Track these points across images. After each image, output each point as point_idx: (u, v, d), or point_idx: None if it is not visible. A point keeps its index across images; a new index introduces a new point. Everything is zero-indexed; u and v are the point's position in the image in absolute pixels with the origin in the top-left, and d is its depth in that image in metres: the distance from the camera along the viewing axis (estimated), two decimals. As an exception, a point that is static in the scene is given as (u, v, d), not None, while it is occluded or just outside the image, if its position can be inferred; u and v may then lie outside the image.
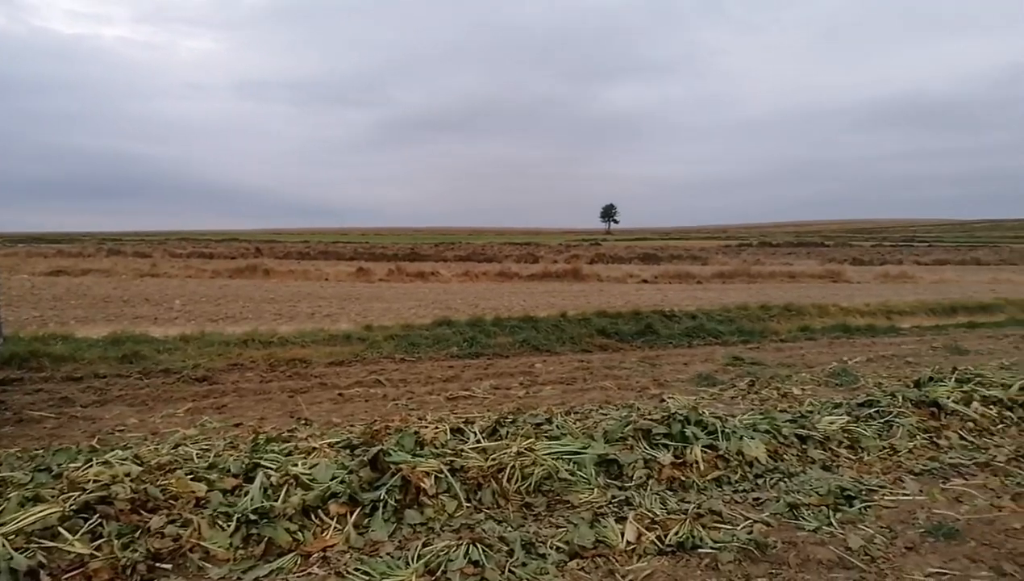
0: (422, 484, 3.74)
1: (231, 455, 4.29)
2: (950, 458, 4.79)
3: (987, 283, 22.09)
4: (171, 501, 3.58)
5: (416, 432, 4.39)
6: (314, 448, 4.46)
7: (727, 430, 4.78)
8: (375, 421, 5.23)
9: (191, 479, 3.78)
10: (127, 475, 3.73)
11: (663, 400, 6.38)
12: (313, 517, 3.62)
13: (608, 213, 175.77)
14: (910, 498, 4.12)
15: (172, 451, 4.42)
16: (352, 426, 5.41)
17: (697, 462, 4.45)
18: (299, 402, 6.59)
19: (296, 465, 4.03)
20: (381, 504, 3.67)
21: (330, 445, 4.50)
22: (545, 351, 9.51)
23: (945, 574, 3.23)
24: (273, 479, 3.86)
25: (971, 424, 5.37)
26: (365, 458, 3.94)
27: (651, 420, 4.88)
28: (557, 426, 4.89)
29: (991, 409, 5.61)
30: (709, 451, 4.56)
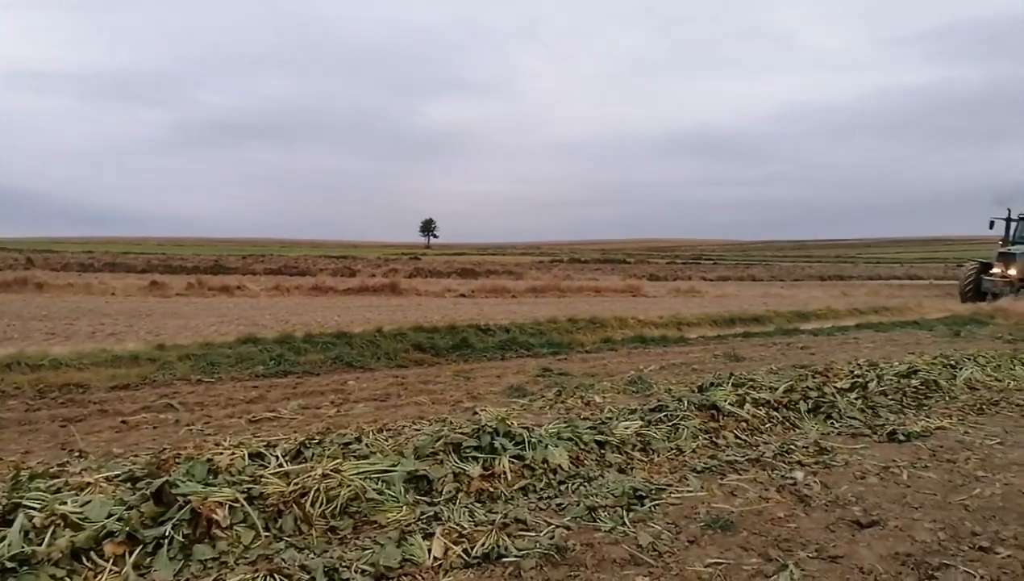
0: (214, 515, 3.47)
1: (-16, 496, 3.71)
2: (727, 456, 5.31)
3: (760, 297, 24.90)
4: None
5: (209, 459, 4.08)
6: (88, 483, 3.99)
7: (533, 440, 4.94)
8: (164, 450, 4.79)
9: (-71, 529, 3.23)
10: None
11: (475, 413, 6.46)
12: (85, 560, 3.24)
13: (428, 227, 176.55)
14: (693, 494, 4.51)
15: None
16: (136, 456, 4.91)
17: (505, 473, 4.55)
18: (73, 432, 5.88)
19: (65, 503, 3.58)
20: (166, 541, 3.36)
21: (108, 479, 4.06)
22: (359, 367, 9.30)
23: (721, 563, 3.56)
24: (37, 520, 3.40)
25: (744, 424, 6.00)
26: (148, 491, 3.59)
27: (462, 434, 4.93)
28: (367, 445, 4.79)
29: (761, 410, 6.30)
30: (516, 461, 4.69)
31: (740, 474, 4.95)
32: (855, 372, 7.88)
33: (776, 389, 6.82)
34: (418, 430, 5.58)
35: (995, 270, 22.93)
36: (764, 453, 5.38)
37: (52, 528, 3.35)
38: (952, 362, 8.94)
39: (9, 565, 3.04)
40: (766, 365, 9.71)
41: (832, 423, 6.35)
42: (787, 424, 6.23)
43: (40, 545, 3.22)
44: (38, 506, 3.52)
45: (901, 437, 5.93)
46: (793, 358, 10.87)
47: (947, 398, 7.46)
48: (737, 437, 5.76)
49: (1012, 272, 22.14)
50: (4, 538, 3.23)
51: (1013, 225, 24.72)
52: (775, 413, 6.34)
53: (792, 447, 5.54)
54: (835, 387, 7.11)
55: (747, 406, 6.25)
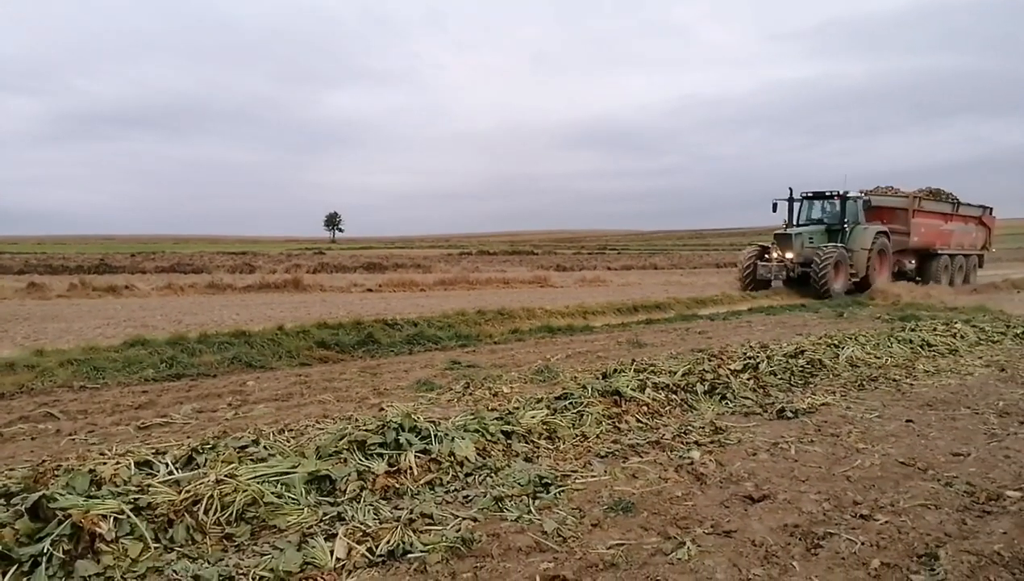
0: (97, 529, 3.26)
1: None
2: (629, 440, 5.46)
3: (662, 285, 25.72)
4: None
5: (92, 470, 3.83)
6: (-45, 502, 3.67)
7: (439, 433, 4.92)
8: (42, 462, 4.46)
9: None
10: None
11: (382, 409, 6.37)
12: (-51, 587, 2.98)
13: (332, 221, 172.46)
14: (597, 479, 4.61)
15: None
16: (11, 470, 4.54)
17: (411, 468, 4.51)
18: (-63, 448, 5.39)
19: (-74, 526, 3.28)
20: (44, 558, 3.14)
21: (-23, 497, 3.74)
22: (259, 367, 8.97)
23: (623, 544, 3.66)
24: None
25: (646, 408, 6.18)
26: (23, 507, 3.34)
27: (366, 431, 4.85)
28: (265, 447, 4.63)
29: (661, 394, 6.51)
30: (423, 456, 4.65)
31: (641, 456, 5.10)
32: (747, 354, 8.27)
33: (675, 373, 7.07)
34: (322, 429, 5.44)
35: (773, 254, 21.09)
36: (664, 435, 5.57)
37: (-89, 553, 3.06)
38: (835, 342, 9.53)
39: None
40: (667, 350, 10.05)
41: (727, 403, 6.64)
42: (685, 406, 6.47)
43: None
44: None
45: (789, 414, 6.27)
46: (692, 342, 11.28)
47: (831, 376, 7.95)
48: (639, 421, 5.93)
49: (789, 255, 20.52)
50: None
51: (796, 206, 22.81)
52: (674, 396, 6.57)
53: (690, 428, 5.77)
54: (729, 369, 7.44)
55: (648, 391, 6.45)
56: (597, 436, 5.50)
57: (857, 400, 6.93)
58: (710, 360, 7.77)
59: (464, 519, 3.88)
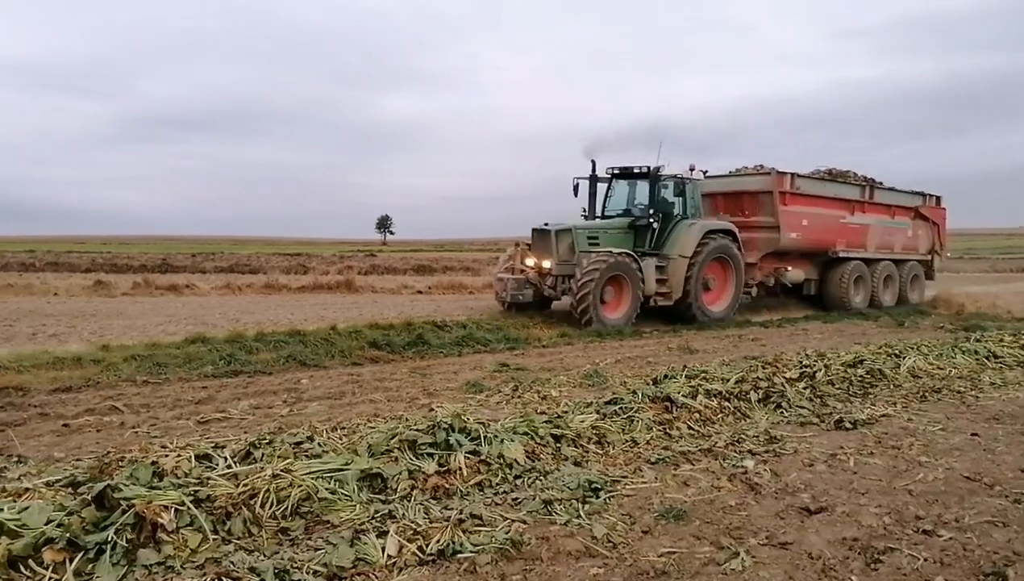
0: (159, 519, 3.37)
1: (-86, 505, 3.54)
2: (680, 446, 5.38)
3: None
4: None
5: (154, 462, 3.96)
6: (27, 489, 3.84)
7: (489, 435, 4.93)
8: (107, 453, 4.63)
9: None
10: None
11: (432, 410, 6.42)
12: (23, 568, 3.12)
13: (384, 224, 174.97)
14: (647, 485, 4.55)
15: None
16: (79, 461, 4.74)
17: (461, 468, 4.53)
18: (11, 437, 5.65)
19: (2, 510, 3.44)
20: (109, 546, 3.25)
21: (48, 484, 3.91)
22: (313, 366, 9.13)
23: (674, 552, 3.60)
24: (-29, 529, 3.25)
25: (697, 415, 6.09)
26: (89, 496, 3.47)
27: (417, 430, 4.89)
28: (319, 444, 4.71)
29: (713, 401, 6.40)
30: (472, 457, 4.67)
31: (693, 464, 5.02)
32: (803, 362, 8.06)
33: (728, 380, 6.94)
34: (373, 428, 5.50)
35: (526, 261, 14.01)
36: (716, 443, 5.47)
37: (-13, 536, 3.21)
38: (896, 351, 9.21)
39: (-59, 576, 2.91)
40: (718, 357, 9.88)
41: (782, 412, 6.49)
42: (738, 414, 6.35)
43: (-26, 554, 3.08)
44: (-28, 514, 3.37)
45: (848, 425, 6.09)
46: (744, 350, 11.08)
47: (891, 386, 7.69)
48: (690, 428, 5.84)
49: (547, 264, 13.55)
50: (-64, 548, 3.08)
51: (603, 189, 15.37)
52: (727, 404, 6.45)
53: (743, 436, 5.65)
54: (784, 377, 7.27)
55: (700, 397, 6.34)
56: (647, 442, 5.44)
57: (919, 412, 6.69)
58: (764, 368, 7.60)
59: (513, 521, 3.87)
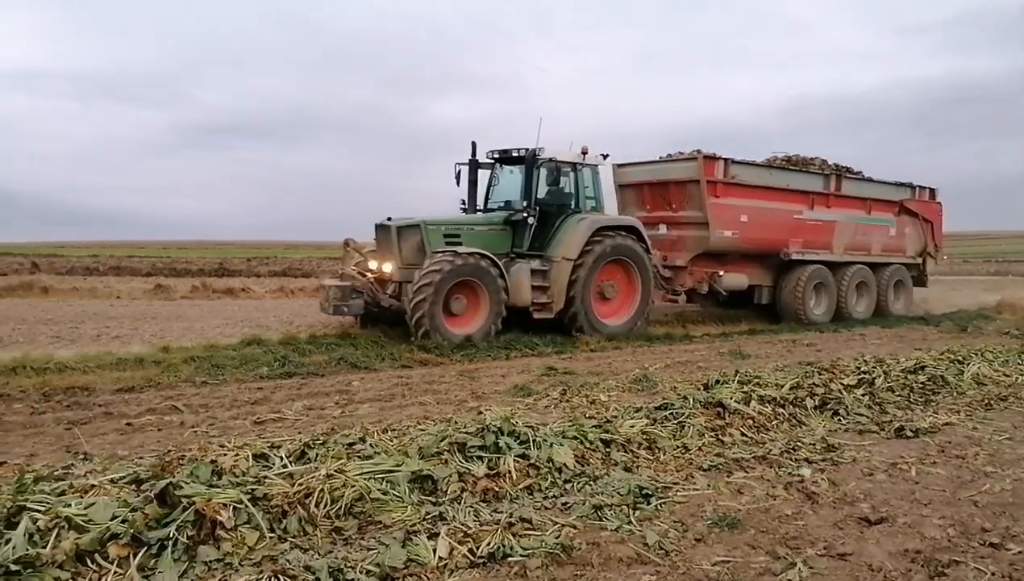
0: (218, 517, 3.46)
1: (-11, 499, 3.71)
2: (733, 453, 5.28)
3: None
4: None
5: (213, 461, 4.06)
6: (93, 485, 3.98)
7: (538, 439, 4.92)
8: (168, 452, 4.78)
9: (-65, 530, 3.22)
10: None
11: (480, 413, 6.44)
12: (89, 562, 3.23)
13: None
14: (699, 492, 4.48)
15: (-86, 499, 3.74)
16: (141, 459, 4.90)
17: (510, 472, 4.53)
18: (78, 435, 5.88)
19: (69, 506, 3.57)
20: (170, 542, 3.35)
21: (112, 481, 4.04)
22: (363, 368, 9.27)
23: (728, 561, 3.53)
24: (41, 523, 3.39)
25: (751, 421, 5.97)
26: (152, 493, 3.58)
27: (466, 433, 4.91)
28: (371, 445, 4.77)
29: (767, 407, 6.26)
30: (521, 460, 4.67)
31: (747, 471, 4.93)
32: (862, 368, 7.84)
33: (782, 386, 6.78)
34: (423, 430, 5.55)
35: (372, 264, 11.79)
36: (771, 450, 5.36)
37: (56, 530, 3.34)
38: (959, 357, 8.88)
39: (14, 568, 3.03)
40: (772, 362, 9.67)
41: (839, 420, 6.32)
42: (794, 421, 6.20)
43: (44, 548, 3.20)
44: (43, 508, 3.50)
45: (909, 433, 5.91)
46: (799, 355, 10.83)
47: (955, 394, 7.42)
48: (744, 435, 5.73)
49: (388, 268, 11.41)
50: (9, 541, 3.21)
51: (486, 176, 12.93)
52: (781, 410, 6.31)
53: (799, 444, 5.52)
54: (842, 383, 7.08)
55: (753, 403, 6.22)
56: (699, 448, 5.35)
57: (984, 421, 6.44)
58: (821, 374, 7.41)
59: (563, 526, 3.85)
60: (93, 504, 3.58)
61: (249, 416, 6.63)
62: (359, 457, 4.47)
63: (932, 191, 17.38)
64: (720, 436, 5.62)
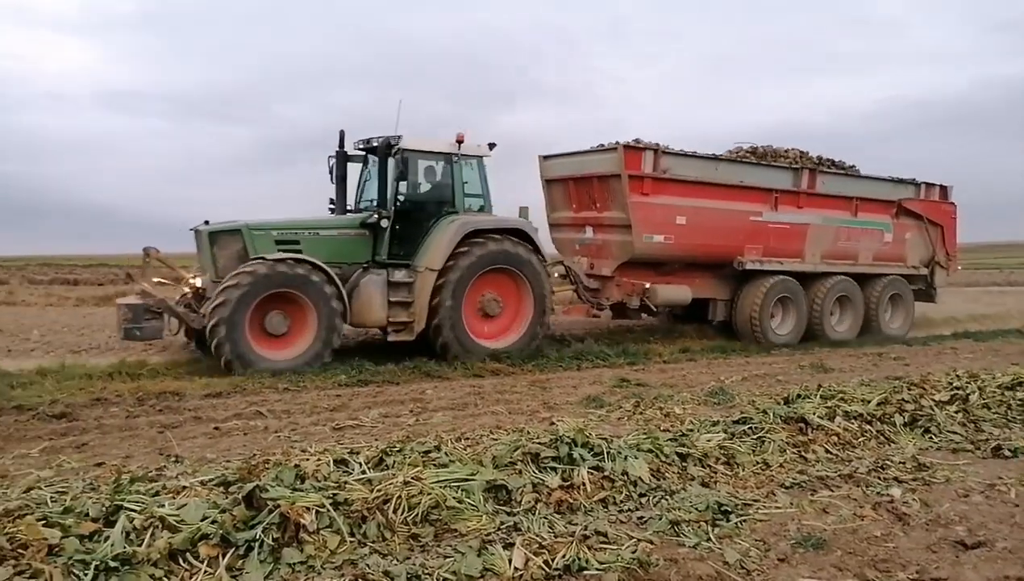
0: (302, 520, 3.56)
1: (90, 498, 3.92)
2: (817, 471, 5.09)
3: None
4: (19, 550, 3.23)
5: (297, 465, 4.19)
6: (184, 487, 4.17)
7: (612, 451, 4.87)
8: (253, 455, 4.97)
9: (43, 525, 3.43)
10: (-31, 524, 3.34)
11: (552, 423, 6.43)
12: (181, 561, 3.37)
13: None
14: (782, 511, 4.34)
15: (23, 495, 4.00)
16: (228, 462, 5.09)
17: (584, 484, 4.50)
18: (169, 438, 6.18)
19: (163, 506, 3.75)
20: (257, 544, 3.47)
21: (202, 483, 4.22)
22: (437, 377, 9.40)
23: (813, 582, 3.41)
24: (137, 522, 3.57)
25: (835, 438, 5.74)
26: (239, 495, 3.72)
27: (540, 444, 4.90)
28: (446, 453, 4.82)
29: (853, 423, 6.01)
30: (595, 472, 4.63)
31: (832, 490, 4.74)
32: (954, 384, 7.43)
33: (869, 401, 6.50)
34: (496, 439, 5.56)
35: (198, 280, 9.84)
36: (857, 469, 5.14)
37: (151, 529, 3.51)
38: (1063, 374, 8.30)
39: (112, 564, 3.20)
40: (856, 376, 9.29)
41: (930, 438, 6.02)
42: (881, 438, 5.94)
43: (140, 546, 3.37)
44: (138, 508, 3.69)
45: (1007, 453, 5.57)
46: (886, 369, 10.37)
47: (1059, 412, 6.94)
48: (828, 452, 5.51)
49: (198, 282, 9.79)
50: (107, 538, 3.40)
51: (362, 170, 11.23)
52: (868, 427, 6.05)
53: (888, 463, 5.28)
54: (933, 400, 6.73)
55: (838, 419, 5.98)
56: (781, 465, 5.18)
57: (1094, 442, 5.99)
58: (910, 389, 7.06)
59: (640, 540, 3.79)
60: (185, 505, 3.75)
61: (328, 422, 6.82)
62: (435, 465, 4.52)
63: (944, 189, 14.82)
64: (803, 452, 5.43)
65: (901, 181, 14.30)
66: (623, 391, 8.56)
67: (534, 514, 4.13)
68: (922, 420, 6.27)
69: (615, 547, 3.70)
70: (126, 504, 3.72)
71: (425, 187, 10.51)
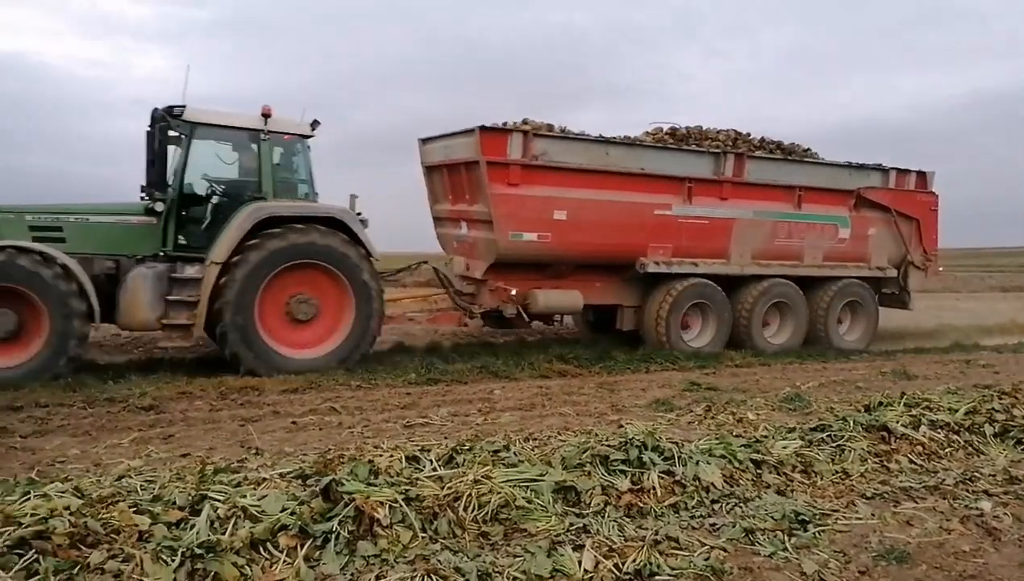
0: (376, 514, 3.65)
1: (177, 487, 4.12)
2: (900, 481, 4.88)
3: (933, 309, 22.70)
4: (112, 535, 3.42)
5: (370, 461, 4.29)
6: (264, 479, 4.33)
7: (683, 455, 4.79)
8: (329, 450, 5.12)
9: (134, 512, 3.63)
10: (66, 508, 3.55)
11: (621, 426, 6.37)
12: (262, 550, 3.50)
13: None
14: (862, 522, 4.18)
15: (115, 483, 4.24)
16: (305, 455, 5.27)
17: (654, 488, 4.44)
18: (250, 431, 6.42)
19: (245, 496, 3.90)
20: (333, 536, 3.57)
21: (281, 476, 4.37)
22: (504, 377, 9.44)
23: (897, 597, 3.27)
24: (220, 511, 3.73)
25: (920, 448, 5.50)
26: (317, 488, 3.84)
27: (609, 446, 4.88)
28: (515, 453, 4.84)
29: (939, 433, 5.74)
30: (666, 476, 4.57)
31: (917, 502, 4.54)
32: (1051, 394, 7.00)
33: (956, 411, 6.19)
34: (563, 441, 5.56)
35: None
36: (944, 480, 4.91)
37: (234, 519, 3.65)
38: None
39: (197, 551, 3.34)
40: (942, 384, 8.86)
41: (1023, 450, 5.69)
42: (970, 449, 5.65)
43: (224, 534, 3.51)
44: (222, 498, 3.85)
45: (1109, 468, 5.21)
46: (974, 377, 9.86)
47: None
48: (912, 462, 5.28)
49: None
50: (193, 526, 3.56)
51: (174, 148, 8.89)
52: (956, 437, 5.76)
53: (977, 475, 5.02)
54: (1027, 410, 6.36)
55: (923, 428, 5.72)
56: (861, 474, 4.99)
57: None
58: (1001, 398, 6.69)
59: (712, 548, 3.72)
60: (265, 496, 3.89)
61: (399, 420, 6.95)
62: (504, 464, 4.55)
63: (921, 176, 12.54)
64: (885, 462, 5.22)
65: (862, 167, 12.14)
66: (693, 395, 8.41)
67: (603, 516, 4.10)
68: (1014, 431, 5.93)
69: (687, 553, 3.65)
70: (210, 494, 3.89)
71: (220, 168, 9.03)
